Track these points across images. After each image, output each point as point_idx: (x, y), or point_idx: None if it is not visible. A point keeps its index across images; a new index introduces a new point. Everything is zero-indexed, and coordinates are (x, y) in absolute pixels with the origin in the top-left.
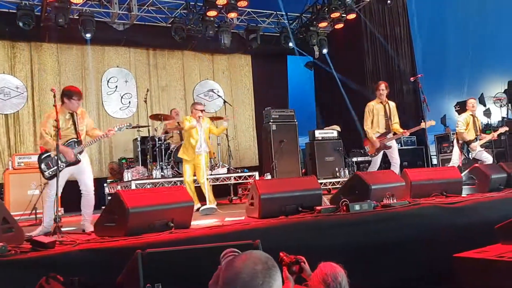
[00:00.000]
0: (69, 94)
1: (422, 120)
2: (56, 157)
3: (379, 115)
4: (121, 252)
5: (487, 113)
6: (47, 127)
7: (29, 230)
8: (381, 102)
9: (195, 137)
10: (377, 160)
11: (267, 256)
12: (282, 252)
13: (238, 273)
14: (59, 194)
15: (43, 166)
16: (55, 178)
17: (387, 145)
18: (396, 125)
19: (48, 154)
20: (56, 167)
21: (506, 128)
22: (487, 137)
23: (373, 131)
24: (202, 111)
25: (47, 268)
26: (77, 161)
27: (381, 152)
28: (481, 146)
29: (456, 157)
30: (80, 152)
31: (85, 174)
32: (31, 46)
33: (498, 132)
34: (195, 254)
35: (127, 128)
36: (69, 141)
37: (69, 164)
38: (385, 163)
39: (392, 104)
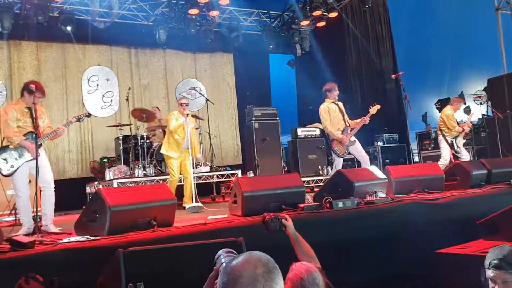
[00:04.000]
0: (31, 89)
1: (370, 106)
2: (14, 153)
3: (335, 114)
4: (102, 251)
5: (467, 110)
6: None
7: (9, 230)
8: (333, 102)
9: (180, 134)
10: (340, 162)
11: (267, 257)
12: (266, 213)
13: (238, 277)
14: (38, 193)
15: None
16: (18, 176)
17: (351, 140)
18: (350, 121)
19: (4, 147)
20: (14, 165)
21: (472, 115)
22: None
23: (335, 130)
24: (187, 105)
25: (26, 268)
26: (37, 155)
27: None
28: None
29: (447, 153)
30: (39, 146)
31: (44, 167)
32: (10, 44)
33: (468, 121)
34: (178, 252)
35: (87, 117)
36: (26, 134)
37: (29, 160)
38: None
39: (340, 103)
